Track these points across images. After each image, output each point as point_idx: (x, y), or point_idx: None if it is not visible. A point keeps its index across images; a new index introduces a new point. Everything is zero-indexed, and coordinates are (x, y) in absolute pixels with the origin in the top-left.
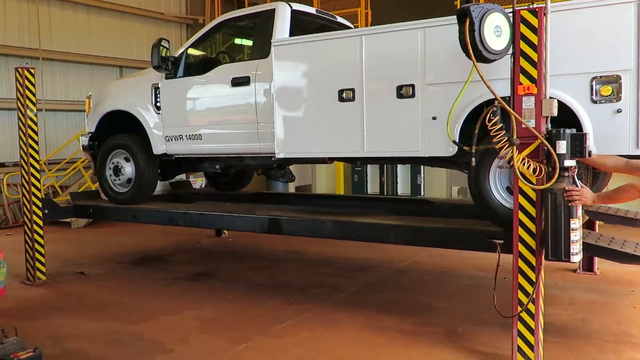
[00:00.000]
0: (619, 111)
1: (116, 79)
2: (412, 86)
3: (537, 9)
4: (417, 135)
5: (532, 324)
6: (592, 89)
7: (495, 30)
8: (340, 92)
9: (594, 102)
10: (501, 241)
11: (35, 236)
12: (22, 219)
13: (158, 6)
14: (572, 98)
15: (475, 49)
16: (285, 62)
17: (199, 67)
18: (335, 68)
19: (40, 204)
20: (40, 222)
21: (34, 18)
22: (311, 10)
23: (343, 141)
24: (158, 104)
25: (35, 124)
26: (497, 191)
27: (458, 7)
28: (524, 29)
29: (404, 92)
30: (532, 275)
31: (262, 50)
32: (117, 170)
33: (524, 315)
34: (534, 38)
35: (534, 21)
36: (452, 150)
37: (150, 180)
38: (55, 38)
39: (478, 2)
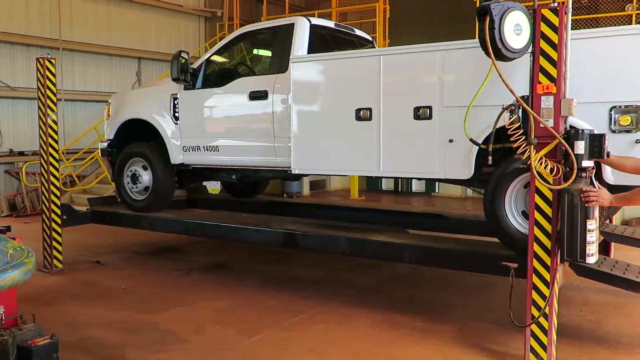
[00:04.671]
0: (637, 142)
1: (135, 88)
2: (430, 108)
3: (558, 7)
4: (433, 157)
5: (545, 324)
6: (611, 119)
7: (516, 28)
8: (358, 111)
9: (613, 131)
10: (515, 265)
11: (53, 225)
12: (40, 207)
13: None
14: (590, 127)
15: (494, 47)
16: (303, 79)
17: (217, 79)
18: (353, 87)
19: (58, 193)
20: (58, 211)
21: (55, 8)
22: (330, 24)
23: (359, 160)
24: (176, 114)
25: (55, 113)
26: (513, 215)
27: (478, 4)
28: (544, 28)
29: (421, 113)
30: (547, 276)
31: (280, 64)
32: (134, 178)
33: (537, 314)
34: (554, 37)
35: (554, 20)
36: (468, 172)
37: (167, 189)
38: (75, 29)
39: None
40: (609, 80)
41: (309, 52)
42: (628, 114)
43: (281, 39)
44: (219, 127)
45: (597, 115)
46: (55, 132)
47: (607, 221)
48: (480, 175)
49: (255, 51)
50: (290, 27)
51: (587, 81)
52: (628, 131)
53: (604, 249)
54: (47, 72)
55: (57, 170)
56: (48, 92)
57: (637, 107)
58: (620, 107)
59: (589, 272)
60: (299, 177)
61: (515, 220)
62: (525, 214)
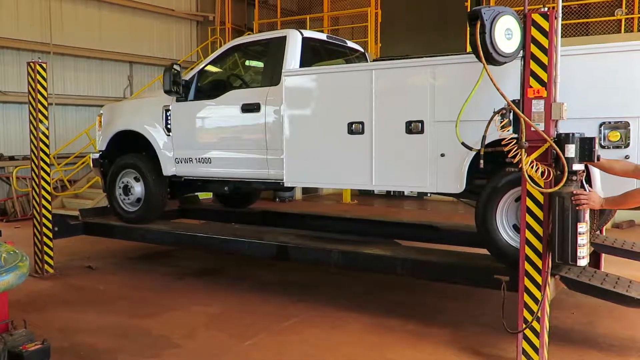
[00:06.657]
0: (626, 157)
1: (128, 99)
2: (422, 122)
3: (548, 12)
4: (425, 171)
5: (537, 327)
6: (600, 135)
7: (506, 33)
8: (350, 124)
9: (602, 147)
10: (507, 278)
11: (44, 229)
12: (30, 212)
13: (169, 3)
14: None
15: (485, 52)
16: (295, 92)
17: (209, 91)
18: (345, 100)
19: (49, 198)
20: (49, 216)
21: (45, 13)
22: (322, 36)
23: (351, 174)
24: (169, 126)
25: (46, 118)
26: (504, 229)
27: (469, 9)
28: (534, 32)
29: (413, 127)
30: (539, 279)
31: (272, 77)
32: (126, 190)
33: (529, 317)
34: (544, 41)
35: (544, 24)
36: (459, 186)
37: (160, 200)
38: (66, 33)
39: (489, 4)
40: (599, 96)
41: (301, 65)
42: (617, 130)
43: (273, 52)
44: (211, 139)
45: (587, 131)
46: (47, 137)
47: (598, 232)
48: (472, 187)
49: (247, 63)
50: (282, 39)
51: (576, 97)
52: (618, 147)
53: (594, 261)
54: (38, 77)
55: (48, 175)
56: (39, 96)
57: (627, 123)
58: (609, 123)
59: (580, 285)
60: (291, 188)
61: (506, 233)
62: (516, 228)
